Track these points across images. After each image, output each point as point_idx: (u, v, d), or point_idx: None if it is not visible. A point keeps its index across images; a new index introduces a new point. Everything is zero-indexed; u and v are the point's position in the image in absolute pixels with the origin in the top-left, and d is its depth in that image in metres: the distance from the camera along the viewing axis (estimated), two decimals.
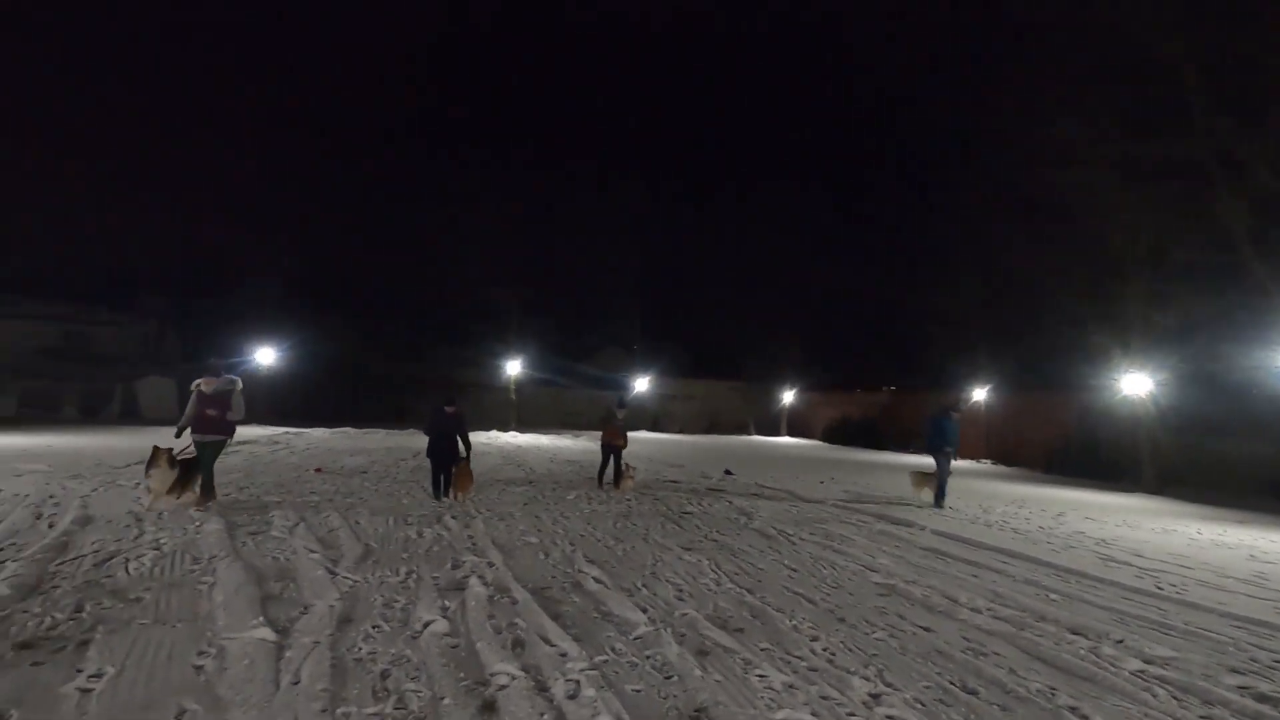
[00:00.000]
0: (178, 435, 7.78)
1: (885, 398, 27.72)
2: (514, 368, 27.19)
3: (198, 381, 7.78)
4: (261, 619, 4.09)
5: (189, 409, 7.74)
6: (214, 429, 7.75)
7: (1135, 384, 16.02)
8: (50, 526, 6.37)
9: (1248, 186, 13.16)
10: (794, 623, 4.69)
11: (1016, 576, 6.39)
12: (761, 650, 4.14)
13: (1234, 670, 4.25)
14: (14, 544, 5.67)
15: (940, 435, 10.57)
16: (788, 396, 32.03)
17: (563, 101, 57.74)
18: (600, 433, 11.40)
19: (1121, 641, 4.64)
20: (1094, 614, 5.31)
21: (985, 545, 7.76)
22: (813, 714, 3.31)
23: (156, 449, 7.41)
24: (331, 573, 5.28)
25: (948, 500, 10.68)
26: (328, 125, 53.61)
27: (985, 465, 21.10)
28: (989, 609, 5.25)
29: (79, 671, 3.32)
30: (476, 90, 56.06)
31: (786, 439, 30.22)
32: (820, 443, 28.15)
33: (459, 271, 32.16)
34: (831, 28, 50.69)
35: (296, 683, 3.28)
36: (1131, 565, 7.16)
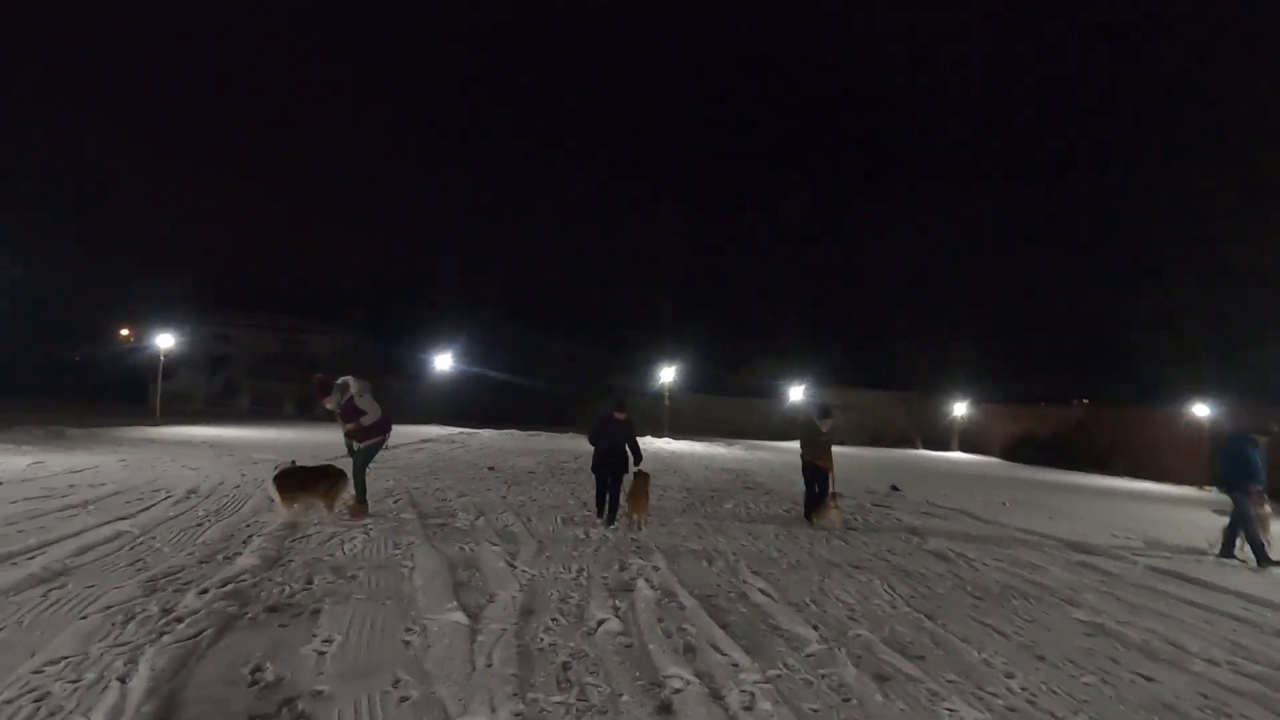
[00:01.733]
0: (349, 451, 7.42)
1: (1078, 412, 24.79)
2: (668, 374, 27.59)
3: (324, 404, 7.38)
4: (455, 604, 4.47)
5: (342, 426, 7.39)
6: (362, 437, 7.34)
7: None
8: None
9: None
10: (984, 656, 4.30)
11: (1265, 628, 5.39)
12: (949, 682, 3.83)
13: None
14: (258, 521, 6.66)
15: (1245, 466, 8.13)
16: (960, 408, 29.63)
17: (720, 107, 58.05)
18: (800, 449, 9.16)
19: None
20: None
21: (1219, 587, 6.63)
22: None
23: (293, 466, 7.16)
24: (511, 565, 5.64)
25: (1237, 549, 8.24)
26: (495, 152, 58.01)
27: (1209, 493, 18.12)
28: (1229, 662, 4.48)
29: (314, 636, 3.82)
30: (635, 102, 57.90)
31: (958, 455, 27.97)
32: (998, 460, 25.73)
33: (614, 278, 33.35)
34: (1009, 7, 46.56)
35: (489, 665, 3.54)
36: None
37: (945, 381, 29.65)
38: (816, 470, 8.88)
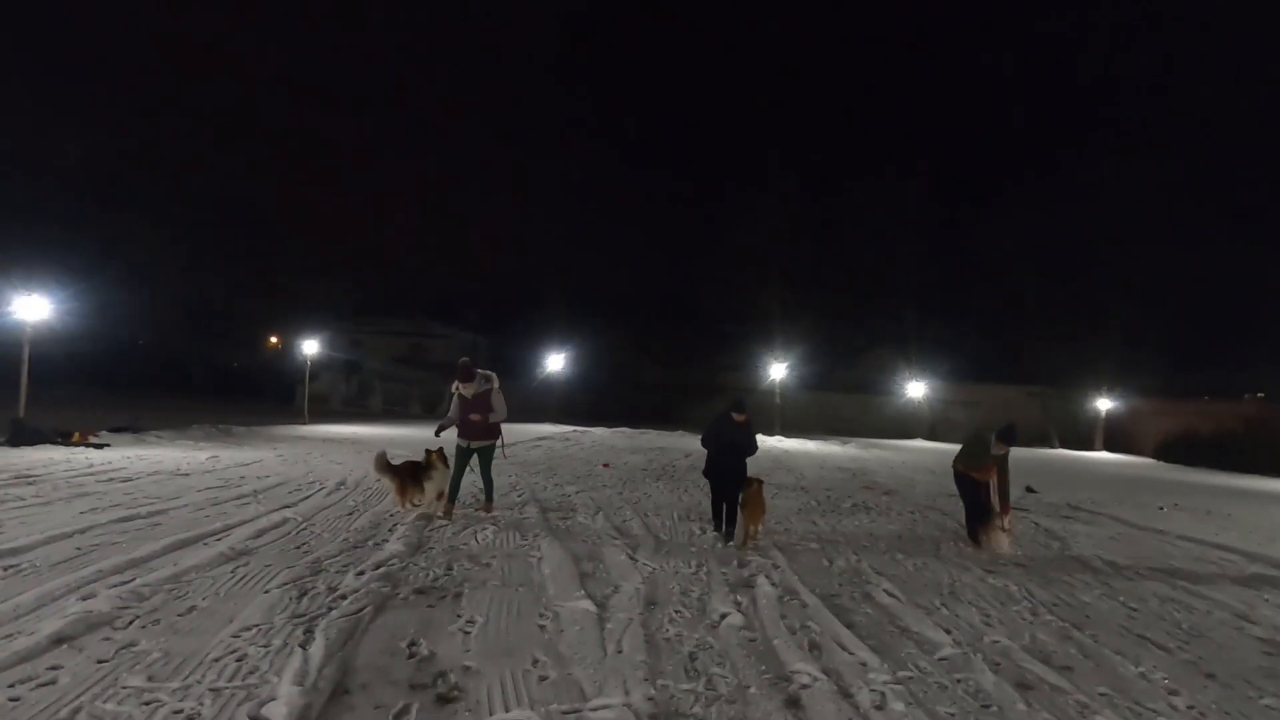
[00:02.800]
0: (437, 434, 7.52)
1: (1250, 408, 22.03)
2: (779, 371, 27.13)
3: (456, 385, 7.33)
4: (583, 592, 4.67)
5: (451, 412, 7.45)
6: (482, 434, 7.42)
7: None
8: (417, 502, 7.97)
9: None
10: (1141, 670, 3.97)
11: None
12: (1100, 695, 3.58)
13: None
14: (399, 511, 7.22)
15: None
16: (1103, 404, 27.11)
17: (833, 98, 56.39)
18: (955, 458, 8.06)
19: None
20: None
21: None
22: None
23: (430, 453, 7.32)
24: (632, 559, 5.80)
25: None
26: (602, 151, 59.33)
27: None
28: None
29: (458, 616, 4.13)
30: (742, 82, 57.36)
31: (1103, 454, 25.65)
32: (1152, 460, 23.34)
33: (723, 275, 33.14)
34: None
35: (620, 652, 3.69)
36: None
37: (1086, 375, 27.22)
38: (972, 483, 7.61)
